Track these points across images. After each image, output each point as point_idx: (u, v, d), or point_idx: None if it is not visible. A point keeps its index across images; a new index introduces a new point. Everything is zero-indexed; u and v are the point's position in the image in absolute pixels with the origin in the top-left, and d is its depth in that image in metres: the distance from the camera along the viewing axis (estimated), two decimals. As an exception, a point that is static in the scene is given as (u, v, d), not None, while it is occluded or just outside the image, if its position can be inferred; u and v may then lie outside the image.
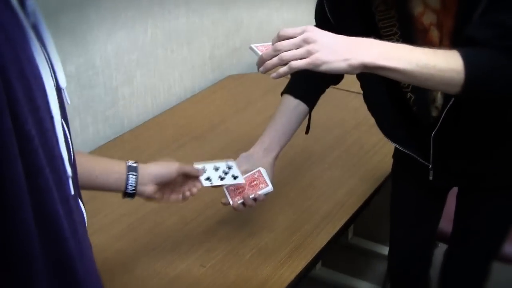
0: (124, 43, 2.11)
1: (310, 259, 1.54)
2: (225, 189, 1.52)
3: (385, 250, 2.74)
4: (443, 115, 1.36)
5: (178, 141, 2.10)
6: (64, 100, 0.83)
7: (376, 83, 1.44)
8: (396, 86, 1.43)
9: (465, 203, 1.67)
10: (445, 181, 1.59)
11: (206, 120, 2.25)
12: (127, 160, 1.34)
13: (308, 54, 1.11)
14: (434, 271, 1.86)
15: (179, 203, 1.45)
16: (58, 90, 0.80)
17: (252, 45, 1.26)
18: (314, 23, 1.54)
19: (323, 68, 1.12)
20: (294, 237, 1.62)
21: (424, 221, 1.80)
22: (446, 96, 1.36)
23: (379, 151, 2.04)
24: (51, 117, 0.75)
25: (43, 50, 0.77)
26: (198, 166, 1.47)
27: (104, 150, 2.06)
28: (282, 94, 1.63)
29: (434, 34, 1.32)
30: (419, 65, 1.14)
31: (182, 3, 2.32)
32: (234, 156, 1.90)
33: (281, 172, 1.85)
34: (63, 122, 0.81)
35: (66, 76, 0.82)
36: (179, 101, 2.42)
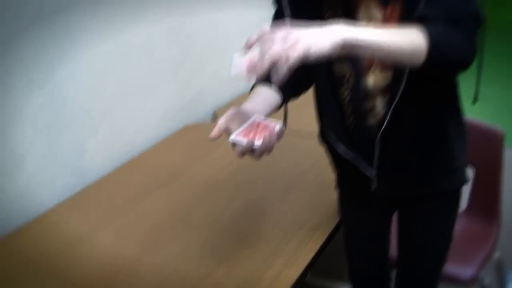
0: (88, 96, 2.21)
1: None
2: (237, 139, 1.38)
3: (343, 286, 2.85)
4: (386, 119, 1.50)
5: (146, 190, 2.19)
6: None
7: (328, 94, 1.58)
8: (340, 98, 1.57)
9: (405, 223, 1.81)
10: (386, 190, 1.68)
11: (170, 168, 2.35)
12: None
13: (295, 44, 1.16)
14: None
15: None
16: None
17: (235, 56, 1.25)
18: None
19: (314, 51, 1.16)
20: (267, 275, 1.71)
21: (375, 244, 1.92)
22: (387, 103, 1.51)
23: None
24: None
25: None
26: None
27: (74, 202, 2.14)
28: (252, 89, 1.60)
29: None
30: (391, 37, 1.26)
31: (145, 54, 2.45)
32: (203, 198, 2.03)
33: (244, 217, 2.00)
34: None
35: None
36: (141, 151, 2.51)
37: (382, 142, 1.57)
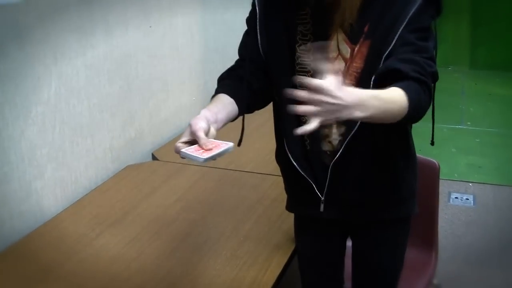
0: (35, 139, 2.24)
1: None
2: (187, 153, 1.46)
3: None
4: (340, 150, 1.65)
5: (95, 230, 2.21)
6: None
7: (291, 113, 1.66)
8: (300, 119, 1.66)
9: (357, 250, 1.93)
10: (333, 214, 1.80)
11: (117, 208, 2.38)
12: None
13: (338, 112, 1.31)
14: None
15: None
16: None
17: (183, 150, 1.43)
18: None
19: (343, 116, 1.33)
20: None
21: (328, 269, 2.03)
22: (342, 134, 1.66)
23: (286, 220, 2.26)
24: None
25: None
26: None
27: (24, 244, 2.13)
28: (214, 95, 1.67)
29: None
30: (394, 105, 1.41)
31: (84, 98, 2.49)
32: (154, 237, 2.07)
33: (199, 251, 2.05)
34: None
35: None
36: (86, 192, 2.54)
37: (333, 170, 1.70)
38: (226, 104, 1.63)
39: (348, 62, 1.61)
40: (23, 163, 2.19)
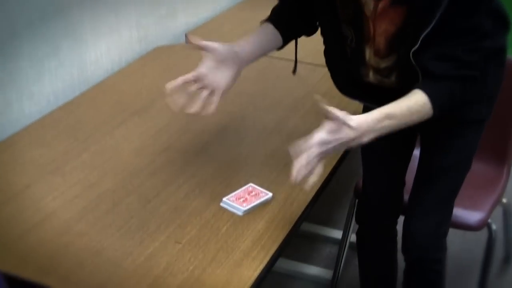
0: (49, 8, 2.11)
1: (290, 228, 1.63)
2: (226, 204, 1.68)
3: (331, 232, 2.86)
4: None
5: (116, 118, 2.11)
6: None
7: (336, 47, 1.80)
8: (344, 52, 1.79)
9: (426, 145, 1.90)
10: None
11: (143, 95, 2.28)
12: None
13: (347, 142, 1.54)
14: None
15: None
16: None
17: (224, 199, 1.68)
18: None
19: (352, 146, 1.55)
20: (269, 207, 1.69)
21: (392, 166, 2.04)
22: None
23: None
24: None
25: None
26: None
27: (35, 129, 2.05)
28: (262, 22, 1.84)
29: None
30: (402, 122, 1.56)
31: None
32: (184, 128, 2.00)
33: (239, 144, 1.98)
34: None
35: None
36: (107, 75, 2.44)
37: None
38: (261, 39, 1.81)
39: (372, 17, 1.61)
40: (35, 38, 2.08)
